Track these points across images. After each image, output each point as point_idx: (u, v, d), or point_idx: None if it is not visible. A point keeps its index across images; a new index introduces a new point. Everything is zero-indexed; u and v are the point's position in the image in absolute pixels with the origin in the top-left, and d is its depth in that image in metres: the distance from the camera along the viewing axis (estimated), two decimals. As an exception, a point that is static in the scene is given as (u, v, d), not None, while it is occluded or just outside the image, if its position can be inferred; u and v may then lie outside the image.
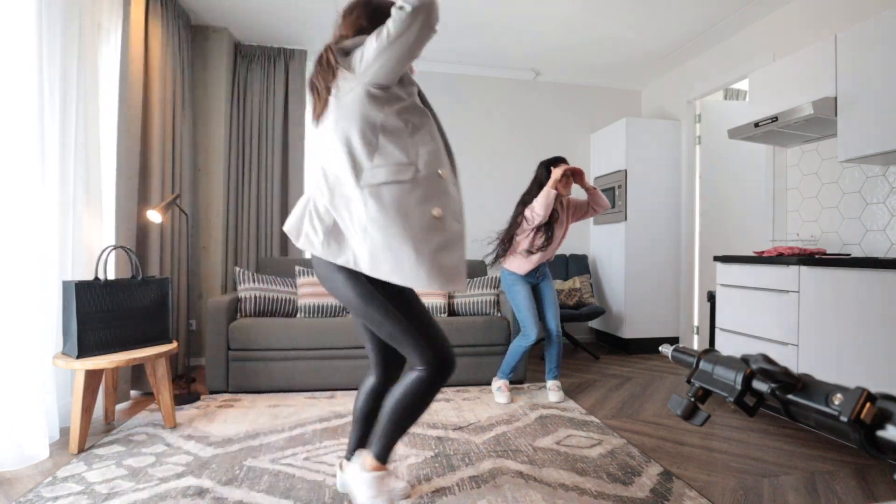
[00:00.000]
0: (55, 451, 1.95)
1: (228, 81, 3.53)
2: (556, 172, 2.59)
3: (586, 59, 3.93)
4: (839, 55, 2.29)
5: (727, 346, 2.66)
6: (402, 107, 1.32)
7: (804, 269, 2.22)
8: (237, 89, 3.60)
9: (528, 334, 2.63)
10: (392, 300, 1.32)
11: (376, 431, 1.41)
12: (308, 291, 3.06)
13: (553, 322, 2.74)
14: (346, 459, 1.59)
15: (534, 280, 2.76)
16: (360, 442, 1.58)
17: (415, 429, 2.23)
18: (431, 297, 3.16)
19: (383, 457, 1.41)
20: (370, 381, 1.57)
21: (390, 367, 1.56)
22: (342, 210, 1.30)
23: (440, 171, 1.33)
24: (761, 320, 2.44)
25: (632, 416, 2.45)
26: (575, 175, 2.66)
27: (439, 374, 1.34)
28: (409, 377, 1.37)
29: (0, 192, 1.80)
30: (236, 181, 3.59)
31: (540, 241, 2.67)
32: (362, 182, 1.27)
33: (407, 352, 1.36)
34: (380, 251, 1.25)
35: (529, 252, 2.67)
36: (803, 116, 2.35)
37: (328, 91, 1.31)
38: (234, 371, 2.74)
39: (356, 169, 1.28)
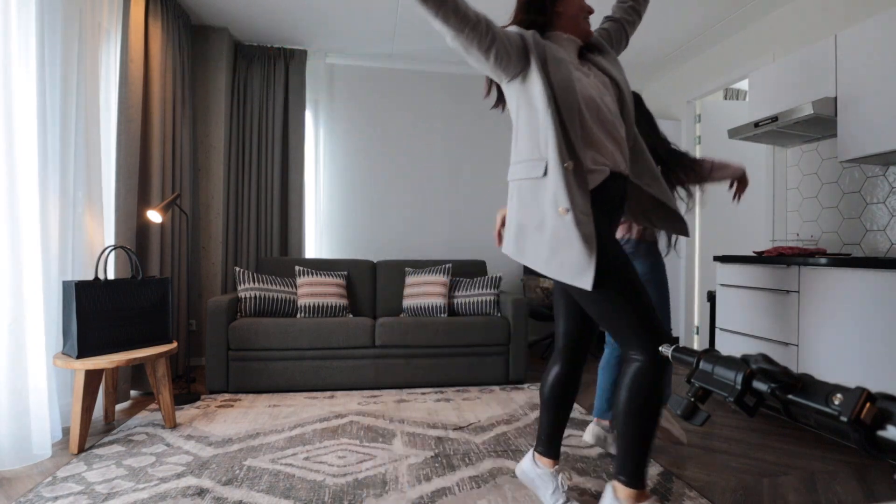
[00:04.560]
0: (55, 451, 1.95)
1: (228, 81, 3.53)
2: None
3: (586, 59, 3.92)
4: (839, 55, 2.29)
5: (727, 346, 2.66)
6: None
7: (804, 269, 2.22)
8: (237, 89, 3.60)
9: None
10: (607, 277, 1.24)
11: (619, 455, 1.26)
12: (308, 291, 3.06)
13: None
14: (535, 450, 1.55)
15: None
16: (548, 434, 1.51)
17: (415, 429, 2.23)
18: (431, 297, 3.16)
19: (637, 481, 1.23)
20: (555, 371, 1.51)
21: (575, 355, 1.50)
22: None
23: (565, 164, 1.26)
24: (761, 320, 2.44)
25: (632, 416, 2.44)
26: None
27: (660, 362, 1.21)
28: (628, 374, 1.24)
29: (1, 192, 1.80)
30: (236, 181, 3.59)
31: None
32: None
33: (620, 337, 1.27)
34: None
35: None
36: (803, 116, 2.35)
37: None
38: (234, 371, 2.74)
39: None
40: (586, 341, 1.51)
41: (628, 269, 1.28)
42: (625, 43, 1.58)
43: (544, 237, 1.29)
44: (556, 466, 1.51)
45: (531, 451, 1.56)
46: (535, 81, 1.28)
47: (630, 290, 1.26)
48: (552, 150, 1.25)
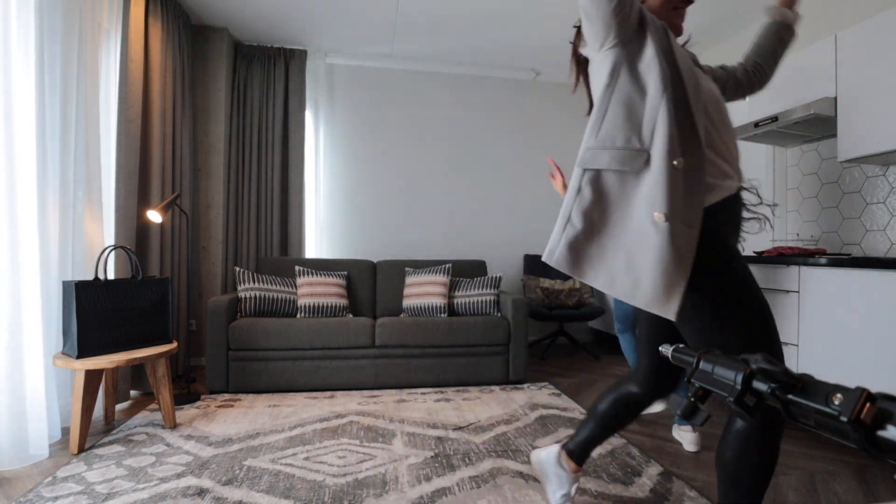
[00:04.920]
0: (55, 451, 1.96)
1: (228, 81, 3.53)
2: None
3: (586, 59, 3.92)
4: (839, 55, 2.29)
5: (727, 346, 2.65)
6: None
7: (804, 269, 2.22)
8: (237, 89, 3.60)
9: None
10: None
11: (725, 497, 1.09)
12: (308, 291, 3.06)
13: None
14: (565, 447, 1.48)
15: None
16: (586, 442, 1.44)
17: (415, 429, 2.23)
18: (431, 297, 3.16)
19: None
20: (628, 389, 1.38)
21: (662, 385, 1.33)
22: None
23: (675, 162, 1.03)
24: (761, 320, 2.43)
25: (632, 416, 2.44)
26: None
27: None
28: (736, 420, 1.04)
29: (1, 192, 1.80)
30: (236, 181, 3.59)
31: None
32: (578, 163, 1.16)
33: None
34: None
35: None
36: (803, 116, 2.35)
37: None
38: (234, 371, 2.74)
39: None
40: (674, 378, 1.32)
41: (736, 288, 1.04)
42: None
43: (623, 243, 1.07)
44: (579, 473, 1.47)
45: (558, 445, 1.50)
46: (651, 60, 1.07)
47: (739, 319, 1.02)
48: (662, 142, 1.01)
